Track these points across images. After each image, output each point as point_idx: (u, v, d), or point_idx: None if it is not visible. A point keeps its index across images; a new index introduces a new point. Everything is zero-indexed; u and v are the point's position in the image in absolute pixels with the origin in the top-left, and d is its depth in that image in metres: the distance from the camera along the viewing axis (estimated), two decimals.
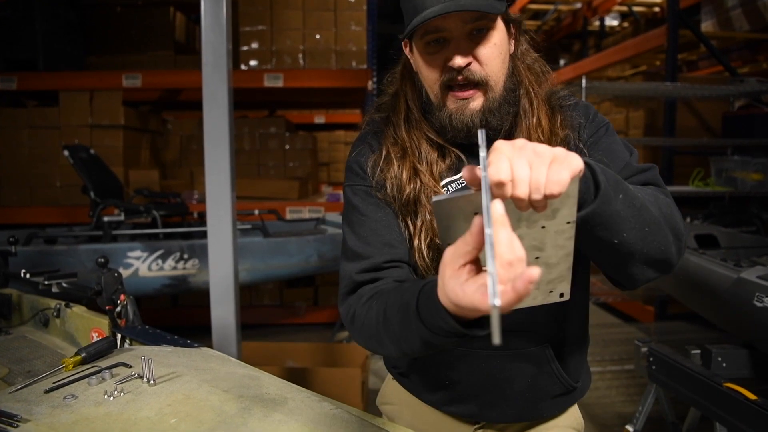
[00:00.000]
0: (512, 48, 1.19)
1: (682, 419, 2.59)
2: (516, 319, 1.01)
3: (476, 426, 1.35)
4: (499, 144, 0.77)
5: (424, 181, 1.19)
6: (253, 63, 5.36)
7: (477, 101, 1.14)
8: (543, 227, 0.90)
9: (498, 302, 0.60)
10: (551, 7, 10.31)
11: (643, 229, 0.99)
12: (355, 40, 5.34)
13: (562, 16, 10.76)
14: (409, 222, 1.20)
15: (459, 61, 1.09)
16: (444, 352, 1.24)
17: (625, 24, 10.47)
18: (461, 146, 1.21)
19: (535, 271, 0.63)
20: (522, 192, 0.75)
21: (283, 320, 5.74)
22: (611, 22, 10.84)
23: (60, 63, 5.33)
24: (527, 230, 0.89)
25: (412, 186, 1.19)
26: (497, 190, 0.74)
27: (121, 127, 5.18)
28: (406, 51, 1.22)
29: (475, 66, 1.11)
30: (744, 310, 2.55)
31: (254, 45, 5.35)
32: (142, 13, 5.86)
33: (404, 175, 1.20)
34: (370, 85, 5.04)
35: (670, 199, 1.12)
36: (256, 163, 5.93)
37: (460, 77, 1.11)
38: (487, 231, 0.66)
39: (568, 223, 0.90)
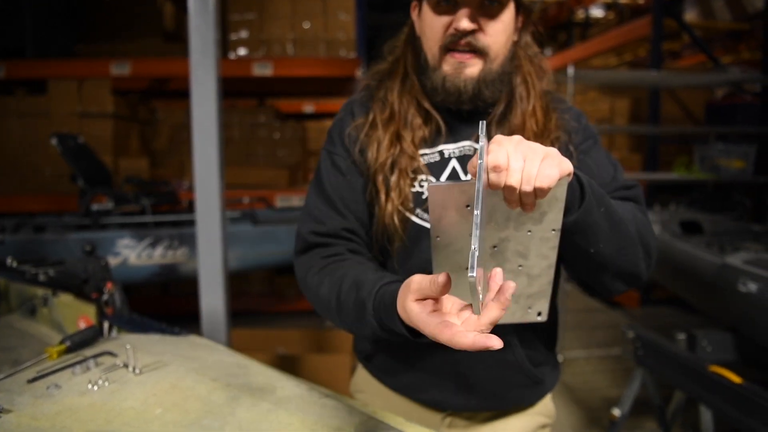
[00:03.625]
0: (516, 36, 1.22)
1: (667, 402, 2.62)
2: None
3: (444, 414, 1.36)
4: (500, 137, 0.82)
5: (404, 147, 1.22)
6: (241, 51, 5.33)
7: (474, 68, 1.15)
8: (529, 231, 0.92)
9: (474, 275, 0.67)
10: None
11: (618, 243, 1.04)
12: (344, 29, 5.31)
13: (547, 6, 10.77)
14: (383, 186, 1.22)
15: (466, 24, 1.10)
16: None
17: (610, 15, 10.50)
18: (448, 112, 1.24)
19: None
20: (514, 180, 0.79)
21: (273, 308, 5.75)
22: (596, 12, 10.88)
23: (49, 51, 5.28)
24: (514, 233, 0.92)
25: (391, 151, 1.22)
26: (493, 175, 0.78)
27: (110, 116, 5.15)
28: (414, 14, 1.24)
29: (479, 34, 1.12)
30: (728, 295, 2.58)
31: (243, 33, 5.31)
32: (131, 2, 5.80)
33: (386, 140, 1.23)
34: (359, 74, 5.03)
35: (647, 218, 1.17)
36: (246, 152, 5.91)
37: (463, 41, 1.13)
38: (476, 212, 0.72)
39: (554, 230, 0.93)
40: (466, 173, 1.23)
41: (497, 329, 1.17)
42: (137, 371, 1.14)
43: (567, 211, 0.94)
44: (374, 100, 1.30)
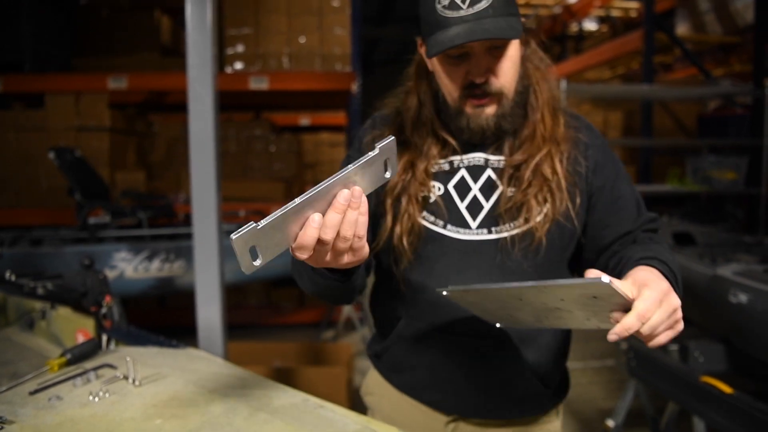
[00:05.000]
0: (523, 51, 1.26)
1: (661, 413, 2.64)
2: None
3: (449, 419, 1.36)
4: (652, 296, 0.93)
5: (417, 174, 1.28)
6: (238, 66, 5.37)
7: (491, 108, 1.22)
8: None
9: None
10: (531, 12, 10.39)
11: None
12: (340, 44, 5.36)
13: (541, 19, 10.85)
14: (391, 209, 1.29)
15: (479, 79, 1.18)
16: (418, 327, 1.32)
17: (604, 28, 10.58)
18: (472, 146, 1.30)
19: None
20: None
21: (269, 320, 5.76)
22: (590, 26, 10.97)
23: (46, 65, 5.31)
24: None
25: (403, 177, 1.29)
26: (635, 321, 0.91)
27: (107, 129, 5.18)
28: (421, 51, 1.27)
29: (492, 79, 1.19)
30: (720, 306, 2.61)
31: (239, 48, 5.35)
32: (129, 16, 5.85)
33: (399, 167, 1.28)
34: (354, 87, 5.06)
35: (672, 252, 1.22)
36: (242, 165, 5.94)
37: (478, 90, 1.20)
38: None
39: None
40: (475, 181, 1.29)
41: (513, 330, 1.25)
42: (137, 383, 1.16)
43: None
44: (391, 123, 1.37)
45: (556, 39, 11.22)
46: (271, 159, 5.97)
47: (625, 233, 1.27)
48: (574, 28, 10.56)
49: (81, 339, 1.61)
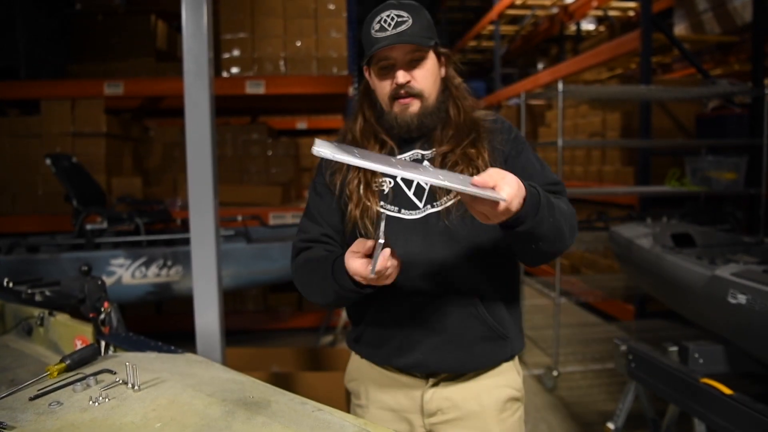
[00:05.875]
0: (443, 72, 1.59)
1: (661, 415, 2.63)
2: (446, 274, 1.51)
3: (428, 383, 1.61)
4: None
5: (369, 171, 1.58)
6: (234, 70, 5.37)
7: (414, 107, 1.53)
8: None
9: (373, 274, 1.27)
10: (529, 12, 10.42)
11: (555, 243, 1.39)
12: (336, 47, 5.37)
13: (539, 21, 10.87)
14: (354, 200, 1.57)
15: (401, 78, 1.49)
16: (389, 306, 1.57)
17: (602, 28, 10.59)
18: (401, 139, 1.60)
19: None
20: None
21: (267, 325, 5.75)
22: (587, 26, 10.99)
23: (42, 71, 5.31)
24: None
25: (360, 174, 1.58)
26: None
27: (103, 135, 5.17)
28: (366, 75, 1.60)
29: (413, 83, 1.50)
30: (718, 307, 2.60)
31: (236, 52, 5.36)
32: (124, 21, 5.85)
33: (350, 174, 1.59)
34: (351, 90, 5.07)
35: (572, 209, 1.52)
36: (239, 170, 5.94)
37: (402, 91, 1.51)
38: (379, 241, 1.25)
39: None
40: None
41: (462, 291, 1.55)
42: (136, 388, 1.16)
43: (523, 219, 1.26)
44: (345, 139, 1.68)
45: (553, 40, 11.26)
46: (268, 163, 5.97)
47: None
48: (572, 28, 10.58)
49: (79, 345, 1.61)
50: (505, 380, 1.64)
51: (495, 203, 1.17)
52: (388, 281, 1.34)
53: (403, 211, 1.54)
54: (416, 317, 1.56)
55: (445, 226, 1.50)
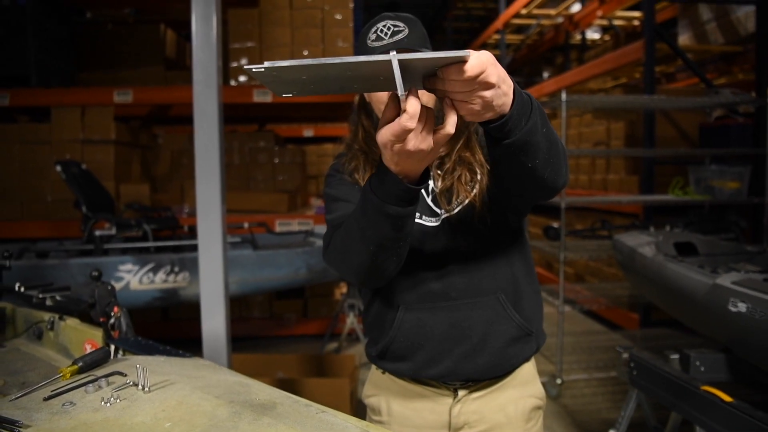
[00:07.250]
0: None
1: (664, 423, 2.64)
2: (470, 276, 1.51)
3: (456, 397, 1.59)
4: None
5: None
6: (242, 79, 5.42)
7: None
8: None
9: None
10: (534, 21, 10.45)
11: (550, 161, 1.25)
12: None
13: (544, 30, 10.90)
14: None
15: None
16: (416, 318, 1.55)
17: (606, 37, 10.61)
18: None
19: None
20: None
21: (273, 332, 5.78)
22: (592, 35, 11.02)
23: (52, 79, 5.36)
24: None
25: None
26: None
27: (112, 142, 5.22)
28: None
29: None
30: (719, 315, 2.61)
31: (243, 61, 5.41)
32: (133, 30, 5.90)
33: (362, 160, 1.62)
34: (356, 98, 5.09)
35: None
36: (246, 177, 5.98)
37: None
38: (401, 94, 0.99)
39: None
40: None
41: (488, 294, 1.50)
42: (146, 389, 1.19)
43: (515, 122, 1.12)
44: (351, 150, 1.68)
45: (558, 49, 11.28)
46: (275, 170, 6.01)
47: None
48: (577, 37, 10.61)
49: (89, 349, 1.64)
50: (530, 390, 1.66)
51: (463, 74, 0.97)
52: (425, 133, 1.10)
53: (424, 217, 1.54)
54: (445, 325, 1.55)
55: (464, 229, 1.52)
